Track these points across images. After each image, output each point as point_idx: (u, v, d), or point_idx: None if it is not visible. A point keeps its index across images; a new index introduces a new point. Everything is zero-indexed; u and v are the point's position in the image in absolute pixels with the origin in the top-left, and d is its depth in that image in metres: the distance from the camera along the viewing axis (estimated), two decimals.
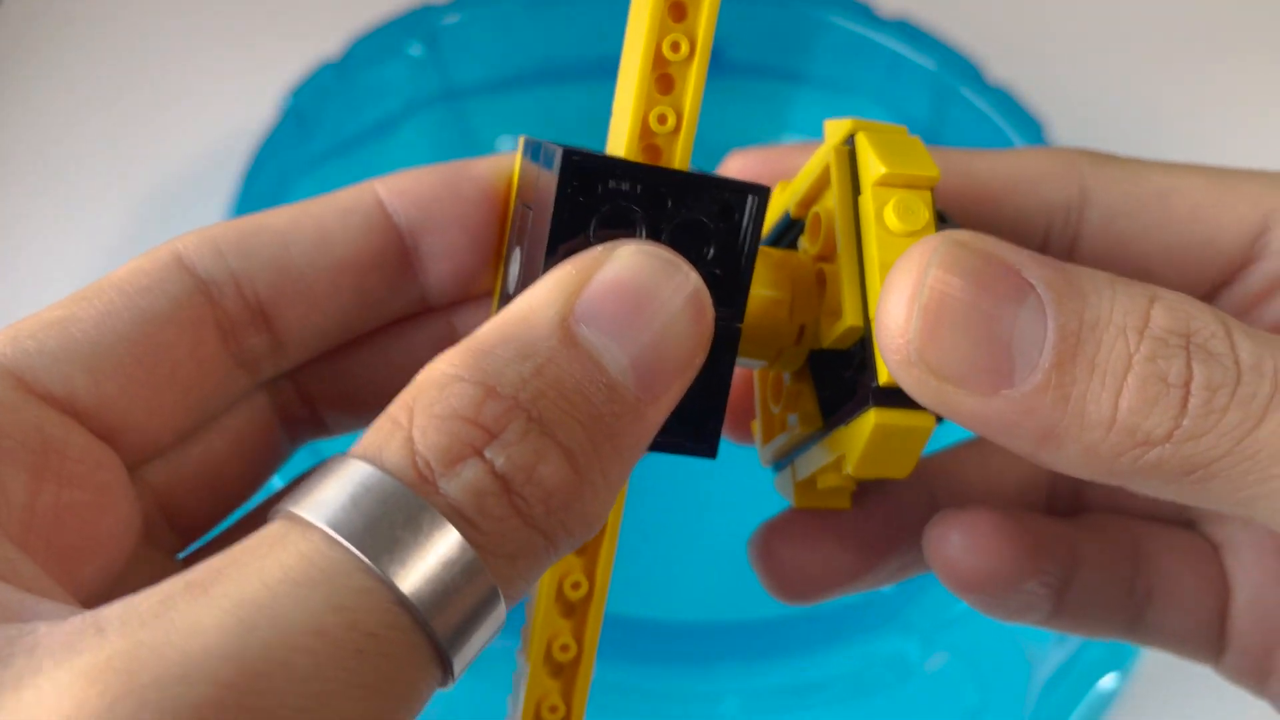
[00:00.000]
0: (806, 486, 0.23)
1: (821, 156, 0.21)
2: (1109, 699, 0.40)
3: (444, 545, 0.16)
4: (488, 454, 0.16)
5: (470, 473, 0.16)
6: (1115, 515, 0.25)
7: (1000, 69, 0.45)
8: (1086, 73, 0.56)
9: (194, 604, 0.15)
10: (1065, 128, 0.45)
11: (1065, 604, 0.24)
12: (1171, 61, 0.57)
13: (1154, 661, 0.41)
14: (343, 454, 0.17)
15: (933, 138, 0.47)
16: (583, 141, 0.39)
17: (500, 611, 0.16)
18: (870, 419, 0.19)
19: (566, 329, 0.17)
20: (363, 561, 0.15)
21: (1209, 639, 0.25)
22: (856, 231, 0.20)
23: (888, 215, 0.19)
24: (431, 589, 0.15)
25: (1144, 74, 0.56)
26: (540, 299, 0.17)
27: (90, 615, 0.15)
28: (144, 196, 0.47)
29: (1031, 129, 0.43)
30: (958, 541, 0.23)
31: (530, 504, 0.16)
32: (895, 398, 0.19)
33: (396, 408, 0.17)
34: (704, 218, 0.19)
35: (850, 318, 0.20)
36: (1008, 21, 0.57)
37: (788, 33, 0.47)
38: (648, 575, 0.39)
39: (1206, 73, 0.57)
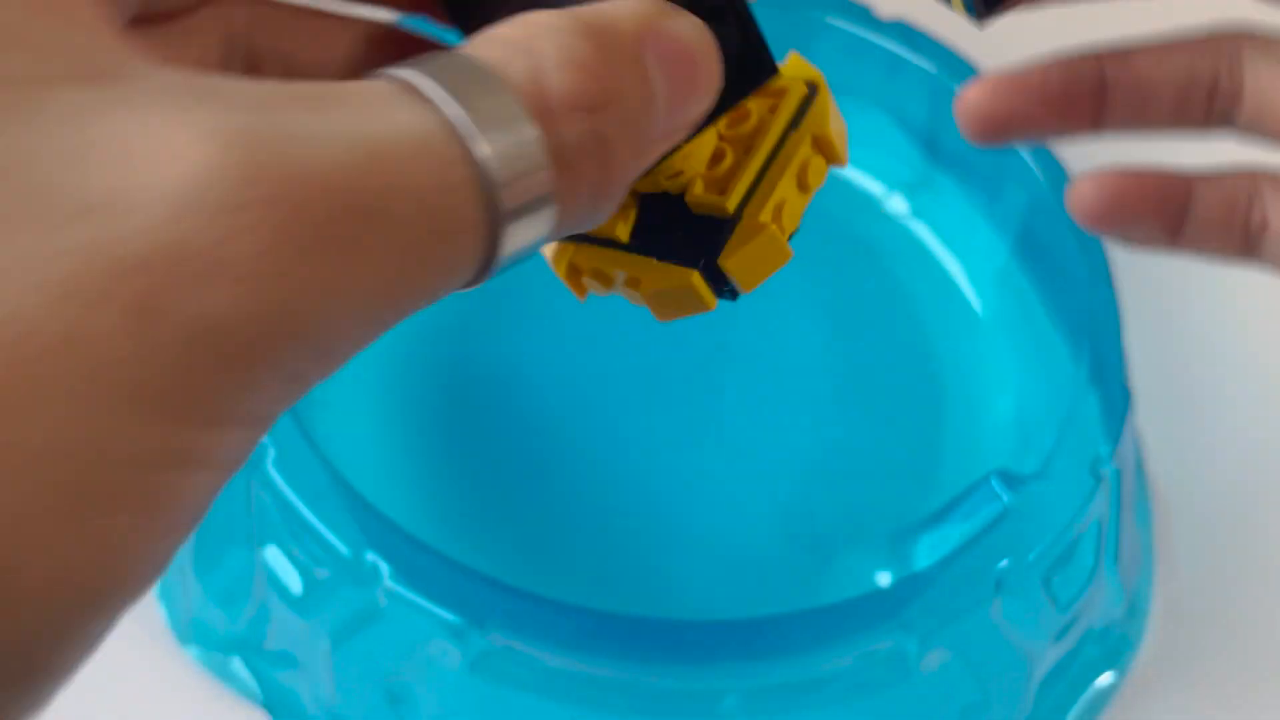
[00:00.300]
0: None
1: (791, 71, 0.24)
2: (1106, 696, 0.40)
3: (530, 151, 0.17)
4: (589, 109, 0.18)
5: (576, 120, 0.17)
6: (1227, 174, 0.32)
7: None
8: None
9: (308, 115, 0.15)
10: None
11: (1182, 237, 0.32)
12: None
13: (1151, 660, 0.41)
14: (459, 47, 0.18)
15: (931, 138, 0.47)
16: None
17: (545, 236, 0.18)
18: (689, 277, 0.22)
19: (640, 54, 0.19)
20: (458, 133, 0.16)
21: None
22: (770, 154, 0.23)
23: (802, 171, 0.23)
24: (510, 172, 0.17)
25: None
26: (625, 12, 0.19)
27: (202, 77, 0.15)
28: None
29: None
30: (1090, 192, 0.32)
31: (601, 165, 0.18)
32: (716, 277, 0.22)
33: (518, 34, 0.18)
34: None
35: (731, 204, 0.22)
36: (1003, 24, 0.57)
37: (787, 34, 0.47)
38: (647, 574, 0.40)
39: None
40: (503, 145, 0.17)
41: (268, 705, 0.38)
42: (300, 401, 0.33)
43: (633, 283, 0.23)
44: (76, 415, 0.14)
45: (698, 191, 0.23)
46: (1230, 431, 0.46)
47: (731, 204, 0.22)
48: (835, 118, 0.23)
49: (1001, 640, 0.36)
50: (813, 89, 0.23)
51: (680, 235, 0.22)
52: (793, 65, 0.24)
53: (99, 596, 0.15)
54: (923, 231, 0.47)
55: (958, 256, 0.47)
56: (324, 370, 0.16)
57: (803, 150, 0.23)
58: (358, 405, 0.42)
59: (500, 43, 0.18)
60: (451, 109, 0.16)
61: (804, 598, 0.39)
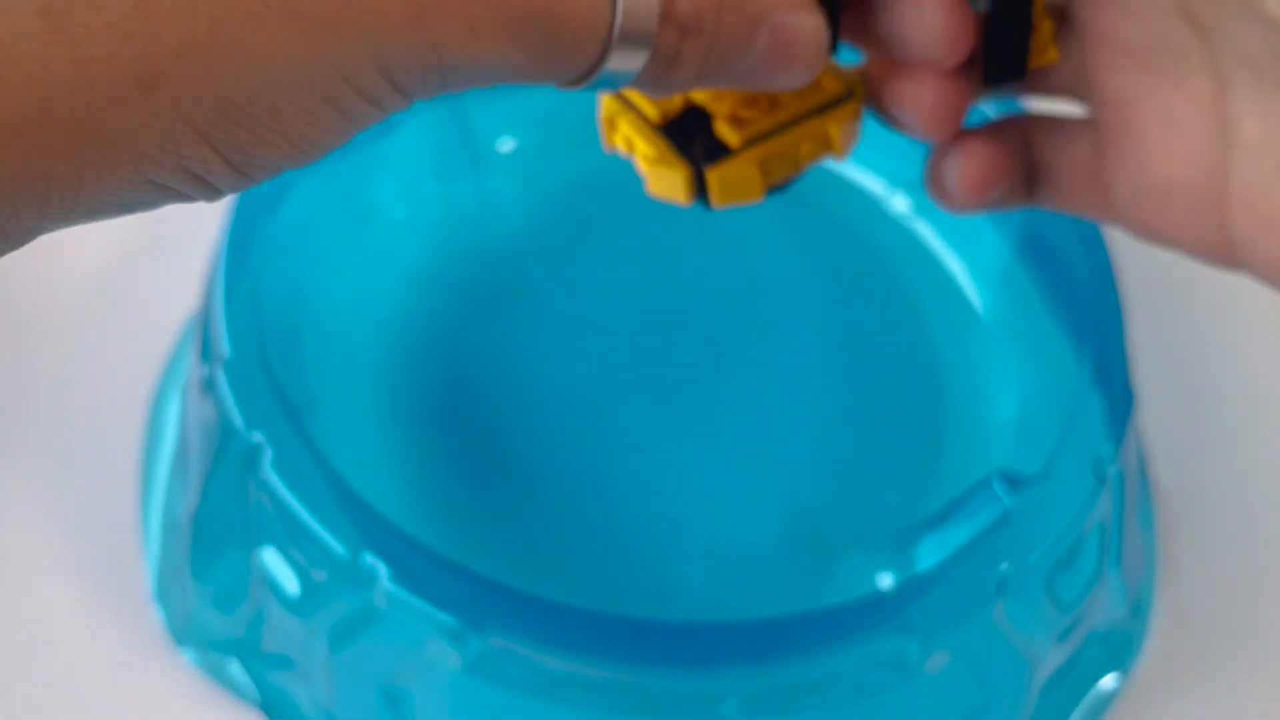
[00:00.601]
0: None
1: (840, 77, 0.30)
2: (1109, 699, 0.40)
3: (649, 9, 0.23)
4: (687, 29, 0.24)
5: (678, 24, 0.23)
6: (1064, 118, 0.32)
7: None
8: None
9: None
10: None
11: (1038, 191, 0.32)
12: None
13: (1154, 662, 0.41)
14: None
15: None
16: (585, 144, 0.39)
17: (631, 73, 0.24)
18: (680, 169, 0.29)
19: (762, 22, 0.25)
20: None
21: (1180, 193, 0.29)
22: (788, 122, 0.29)
23: (802, 147, 0.29)
24: (631, 15, 0.23)
25: None
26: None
27: None
28: None
29: None
30: (950, 168, 0.32)
31: (675, 60, 0.24)
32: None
33: None
34: None
35: (736, 140, 0.29)
36: None
37: None
38: (647, 575, 0.40)
39: None
40: (634, 3, 0.23)
41: (265, 708, 0.38)
42: (298, 404, 0.33)
43: (644, 155, 0.29)
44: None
45: (721, 120, 0.29)
46: (1235, 432, 0.46)
47: (736, 141, 0.28)
48: (853, 123, 0.30)
49: (1004, 642, 0.36)
50: (849, 94, 0.29)
51: (695, 140, 0.29)
52: (850, 72, 0.30)
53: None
54: (925, 231, 0.47)
55: (960, 256, 0.47)
56: (457, 65, 0.22)
57: (812, 132, 0.29)
58: (355, 407, 0.42)
59: None
60: None
61: (805, 599, 0.39)
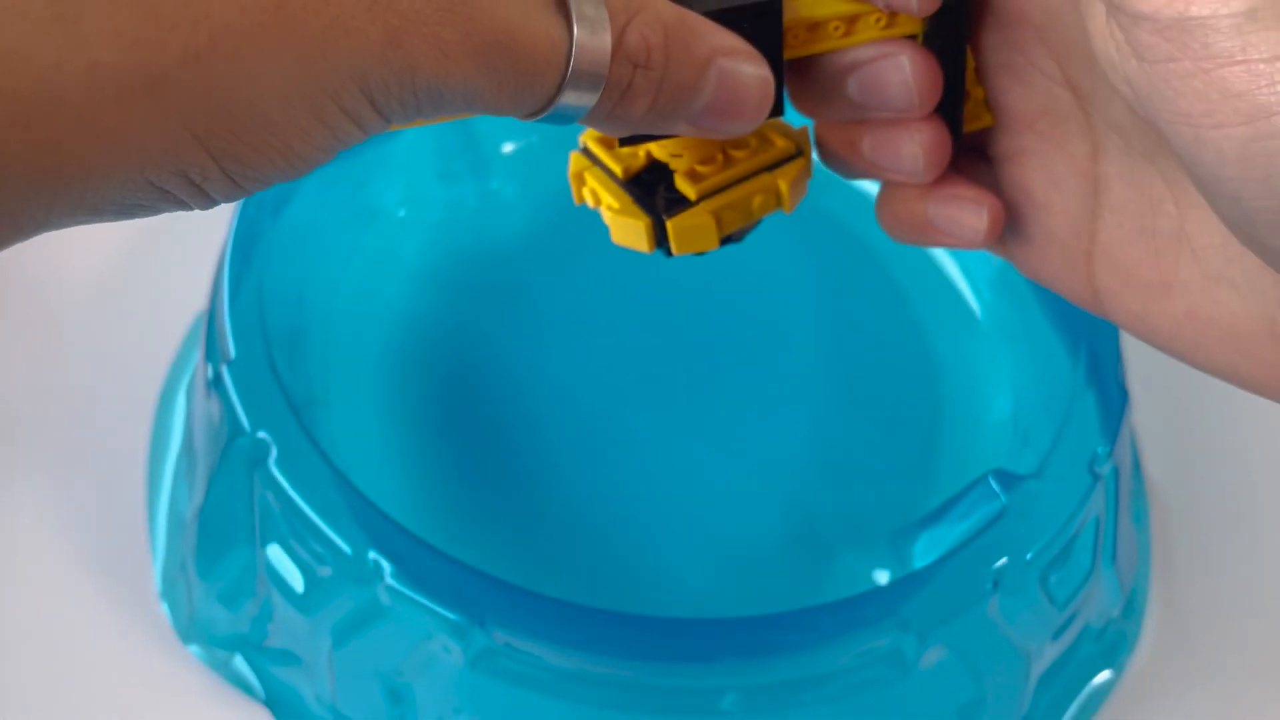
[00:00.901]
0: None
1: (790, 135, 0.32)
2: (1103, 693, 0.40)
3: (601, 48, 0.25)
4: (638, 64, 0.26)
5: (629, 62, 0.25)
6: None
7: None
8: None
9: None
10: None
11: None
12: None
13: (1148, 657, 0.41)
14: None
15: None
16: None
17: (585, 108, 0.25)
18: (641, 220, 0.30)
19: (709, 65, 0.27)
20: (572, 26, 0.24)
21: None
22: (742, 177, 0.31)
23: (754, 200, 0.31)
24: (584, 54, 0.25)
25: None
26: (719, 42, 0.27)
27: None
28: None
29: None
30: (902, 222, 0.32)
31: (626, 96, 0.26)
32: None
33: (634, 2, 0.25)
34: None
35: (694, 193, 0.30)
36: None
37: None
38: (648, 572, 0.40)
39: None
40: (588, 38, 0.25)
41: (270, 703, 0.38)
42: (302, 402, 0.34)
43: (609, 206, 0.31)
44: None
45: (680, 175, 0.30)
46: (1226, 430, 0.46)
47: (694, 193, 0.30)
48: (801, 179, 0.31)
49: (999, 638, 0.36)
50: (798, 152, 0.31)
51: (656, 193, 0.30)
52: (798, 132, 0.32)
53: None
54: None
55: (956, 258, 0.47)
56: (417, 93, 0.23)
57: (764, 186, 0.31)
58: (358, 406, 0.42)
59: (623, 3, 0.25)
60: (575, 11, 0.25)
61: (803, 596, 0.39)
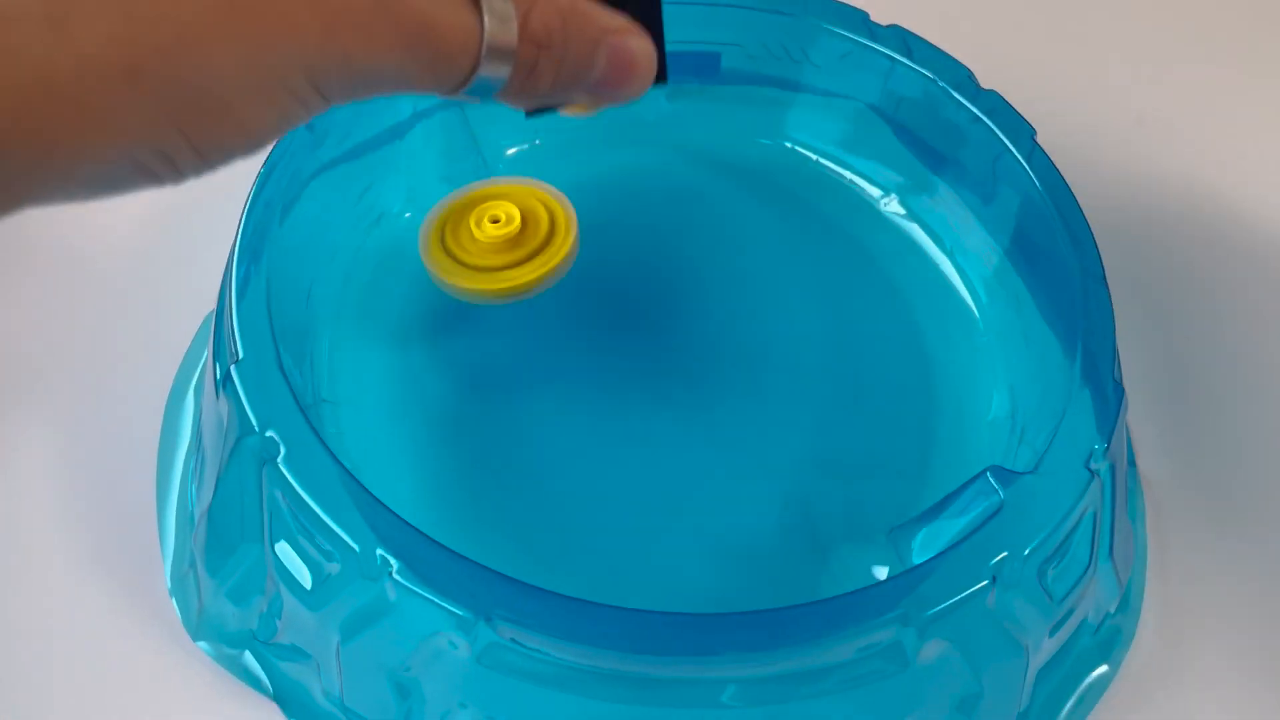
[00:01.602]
0: None
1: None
2: (1101, 687, 0.41)
3: (509, 33, 0.29)
4: (539, 45, 0.30)
5: (532, 43, 0.29)
6: None
7: (989, 78, 0.46)
8: (1073, 82, 0.56)
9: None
10: (1054, 133, 0.46)
11: None
12: (1157, 70, 0.57)
13: (1145, 652, 0.41)
14: None
15: (927, 142, 0.47)
16: (586, 149, 0.40)
17: (500, 80, 0.29)
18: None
19: (601, 43, 0.31)
20: (483, 18, 0.28)
21: None
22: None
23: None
24: (494, 37, 0.29)
25: (1129, 81, 0.57)
26: (608, 23, 0.31)
27: None
28: (161, 199, 0.47)
29: (1023, 132, 0.44)
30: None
31: (531, 73, 0.30)
32: None
33: None
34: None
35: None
36: (995, 32, 0.58)
37: (786, 40, 0.47)
38: (649, 568, 0.40)
39: (1191, 80, 0.57)
40: (497, 27, 0.28)
41: (278, 698, 0.38)
42: (309, 402, 0.34)
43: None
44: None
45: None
46: (1221, 427, 0.46)
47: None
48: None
49: (999, 632, 0.36)
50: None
51: None
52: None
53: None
54: (918, 234, 0.48)
55: (953, 258, 0.47)
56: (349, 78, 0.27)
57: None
58: (365, 405, 0.42)
59: None
60: (486, 6, 0.28)
61: (803, 591, 0.39)
